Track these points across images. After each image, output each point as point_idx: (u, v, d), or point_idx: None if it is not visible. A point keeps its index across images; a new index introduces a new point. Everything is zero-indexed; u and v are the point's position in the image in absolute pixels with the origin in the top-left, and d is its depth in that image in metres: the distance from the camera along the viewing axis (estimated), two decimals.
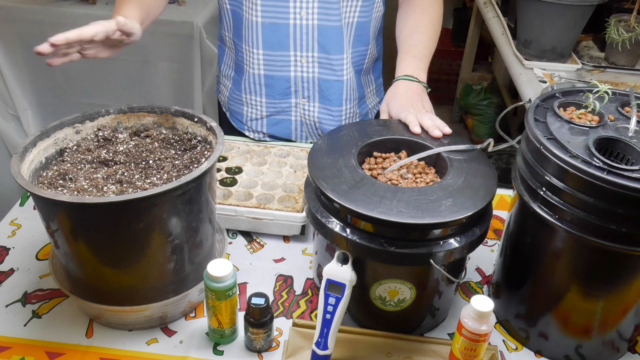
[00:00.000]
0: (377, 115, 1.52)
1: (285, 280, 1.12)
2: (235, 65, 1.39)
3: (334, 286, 0.91)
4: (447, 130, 1.07)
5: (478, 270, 1.18)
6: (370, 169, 1.02)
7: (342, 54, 1.32)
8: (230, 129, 1.48)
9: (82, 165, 0.97)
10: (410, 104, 1.17)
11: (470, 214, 0.87)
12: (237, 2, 1.29)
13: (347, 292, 0.90)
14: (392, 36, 1.37)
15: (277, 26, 1.27)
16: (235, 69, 1.40)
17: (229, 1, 1.32)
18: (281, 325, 1.03)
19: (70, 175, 0.93)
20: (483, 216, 0.94)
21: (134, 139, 1.05)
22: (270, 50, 1.30)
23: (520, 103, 1.11)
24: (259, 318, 0.93)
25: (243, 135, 1.46)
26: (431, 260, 0.87)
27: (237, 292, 0.95)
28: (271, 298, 1.08)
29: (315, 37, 1.28)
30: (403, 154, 1.06)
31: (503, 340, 1.03)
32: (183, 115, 1.06)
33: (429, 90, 1.28)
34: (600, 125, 0.90)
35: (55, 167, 0.97)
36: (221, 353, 0.98)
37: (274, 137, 1.43)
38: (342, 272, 0.90)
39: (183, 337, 1.00)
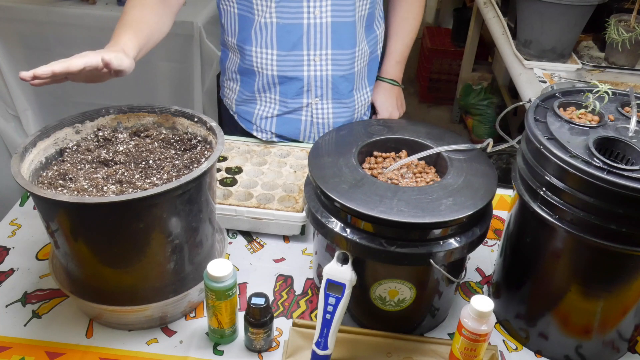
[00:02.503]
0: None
1: (285, 280, 1.12)
2: (245, 69, 1.38)
3: (334, 286, 0.91)
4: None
5: (478, 270, 1.18)
6: (370, 169, 1.02)
7: (355, 47, 1.33)
8: (234, 131, 1.48)
9: (82, 165, 0.97)
10: (390, 105, 1.52)
11: (470, 213, 0.87)
12: (246, 6, 1.29)
13: (347, 292, 0.90)
14: None
15: (292, 26, 1.27)
16: (244, 72, 1.39)
17: (238, 6, 1.31)
18: (281, 325, 1.03)
19: (70, 175, 0.93)
20: (483, 216, 0.94)
21: (134, 139, 1.05)
22: (284, 51, 1.31)
23: (520, 103, 1.11)
24: (259, 318, 0.93)
25: (251, 135, 1.46)
26: (431, 260, 0.88)
27: (237, 292, 0.95)
28: (271, 298, 1.08)
29: (329, 35, 1.29)
30: (403, 153, 1.06)
31: (503, 340, 1.03)
32: (183, 115, 1.06)
33: (404, 87, 1.58)
34: (600, 125, 0.90)
35: (55, 167, 0.97)
36: (221, 353, 0.98)
37: (282, 137, 1.43)
38: (342, 272, 0.90)
39: (183, 337, 1.00)
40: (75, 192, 0.89)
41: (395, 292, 0.95)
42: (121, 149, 1.01)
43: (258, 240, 1.22)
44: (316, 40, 1.29)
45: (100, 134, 1.04)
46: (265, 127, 1.41)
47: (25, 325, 1.01)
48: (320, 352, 0.91)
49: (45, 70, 0.87)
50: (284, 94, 1.37)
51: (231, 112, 1.49)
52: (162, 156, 0.99)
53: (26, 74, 0.87)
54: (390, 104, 1.51)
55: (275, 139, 1.43)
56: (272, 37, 1.29)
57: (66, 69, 0.89)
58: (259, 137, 1.43)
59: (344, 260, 0.91)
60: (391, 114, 1.51)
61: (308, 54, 1.31)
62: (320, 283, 0.93)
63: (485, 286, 1.14)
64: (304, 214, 1.16)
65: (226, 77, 1.46)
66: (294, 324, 1.00)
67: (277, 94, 1.38)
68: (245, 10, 1.30)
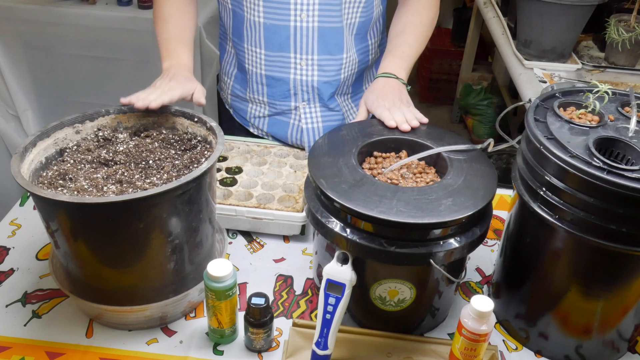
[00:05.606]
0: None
1: (285, 280, 1.12)
2: (238, 64, 1.39)
3: (334, 286, 0.91)
4: (424, 119, 1.10)
5: (478, 270, 1.18)
6: (370, 169, 1.02)
7: (342, 54, 1.32)
8: (231, 126, 1.49)
9: (82, 165, 0.97)
10: (384, 98, 1.17)
11: (470, 213, 0.87)
12: (237, 3, 1.30)
13: (347, 292, 0.90)
14: None
15: (278, 27, 1.27)
16: (238, 67, 1.40)
17: (231, 1, 1.32)
18: (281, 325, 1.03)
19: (70, 175, 0.93)
20: (483, 216, 0.94)
21: (134, 139, 1.05)
22: (271, 51, 1.31)
23: (520, 103, 1.11)
24: (259, 318, 0.93)
25: (245, 129, 1.46)
26: (431, 260, 0.88)
27: (237, 292, 0.95)
28: (271, 298, 1.08)
29: (315, 39, 1.29)
30: (403, 153, 1.06)
31: (503, 340, 1.03)
32: (183, 115, 1.06)
33: (409, 88, 1.28)
34: (600, 125, 0.90)
35: (55, 167, 0.97)
36: (221, 353, 0.98)
37: (274, 138, 1.44)
38: (342, 272, 0.90)
39: (183, 337, 1.00)
40: (75, 192, 0.89)
41: (395, 292, 0.95)
42: (121, 149, 1.01)
43: (258, 240, 1.22)
44: (302, 44, 1.29)
45: (100, 134, 1.04)
46: (259, 125, 1.42)
47: (25, 325, 1.01)
48: (320, 352, 0.91)
49: (141, 104, 1.05)
50: (272, 96, 1.38)
51: (227, 107, 1.49)
52: (162, 156, 0.99)
53: (127, 100, 1.06)
54: (377, 92, 1.20)
55: (269, 138, 1.44)
56: (260, 37, 1.30)
57: (160, 103, 1.06)
58: (254, 132, 1.44)
59: (344, 260, 0.91)
60: (377, 101, 1.16)
61: (295, 57, 1.31)
62: (320, 283, 0.93)
63: (485, 286, 1.14)
64: (304, 214, 1.16)
65: (222, 71, 1.47)
66: (294, 324, 1.00)
67: (265, 96, 1.38)
68: (237, 7, 1.31)
